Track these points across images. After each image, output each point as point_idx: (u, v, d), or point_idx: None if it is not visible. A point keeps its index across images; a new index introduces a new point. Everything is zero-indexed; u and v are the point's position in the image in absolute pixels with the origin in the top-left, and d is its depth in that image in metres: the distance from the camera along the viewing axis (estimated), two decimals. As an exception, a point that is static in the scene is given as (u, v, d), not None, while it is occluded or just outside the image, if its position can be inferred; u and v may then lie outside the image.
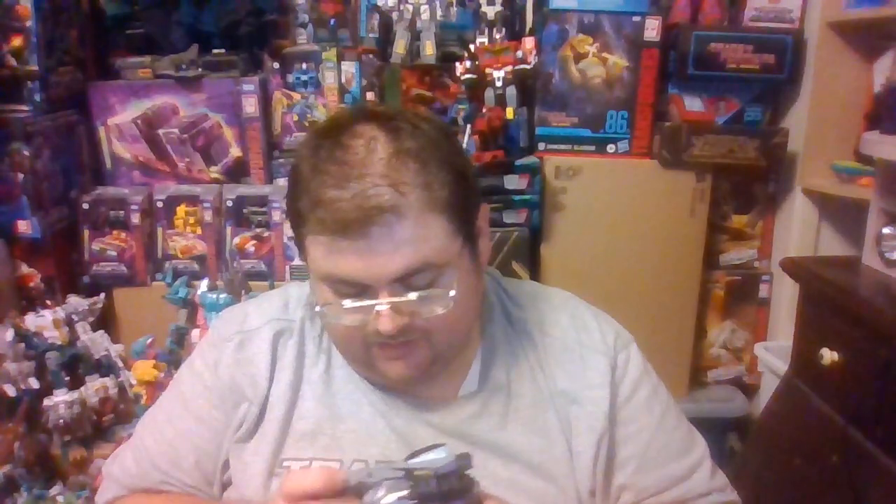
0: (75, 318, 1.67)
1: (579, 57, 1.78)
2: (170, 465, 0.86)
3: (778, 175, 1.93)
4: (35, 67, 1.72)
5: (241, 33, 1.95)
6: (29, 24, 1.69)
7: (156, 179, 1.97)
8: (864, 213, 1.44)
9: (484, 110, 1.68)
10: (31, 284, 1.79)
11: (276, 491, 0.65)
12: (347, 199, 0.69)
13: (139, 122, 1.92)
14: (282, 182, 1.95)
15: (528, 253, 1.77)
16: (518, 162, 1.74)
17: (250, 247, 1.93)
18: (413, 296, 0.72)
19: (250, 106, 1.92)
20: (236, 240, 1.93)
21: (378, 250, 0.70)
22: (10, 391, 1.46)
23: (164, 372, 1.66)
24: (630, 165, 1.83)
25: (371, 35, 1.86)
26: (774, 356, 1.77)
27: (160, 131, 1.93)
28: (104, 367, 1.63)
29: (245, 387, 0.84)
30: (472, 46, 1.73)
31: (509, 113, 1.67)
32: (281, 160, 1.96)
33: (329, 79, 1.92)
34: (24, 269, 1.79)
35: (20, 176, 1.71)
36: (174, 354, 1.72)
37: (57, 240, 1.85)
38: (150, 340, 1.73)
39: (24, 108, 1.73)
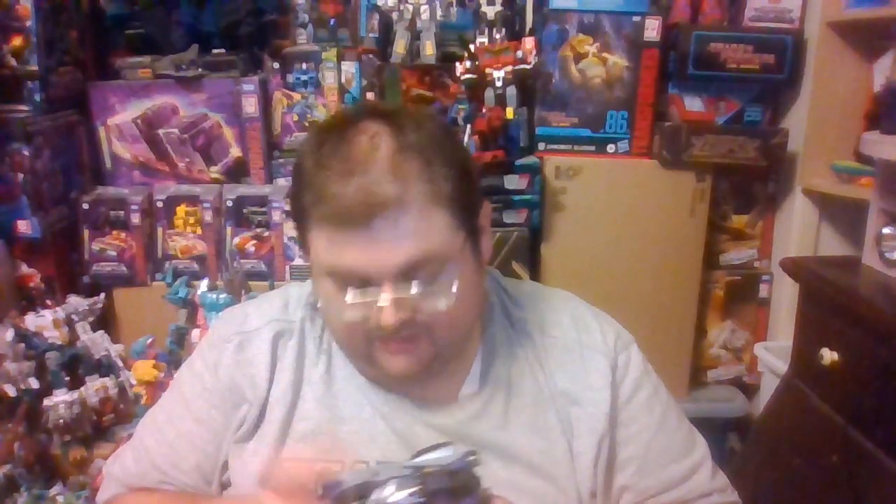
0: (75, 318, 1.67)
1: (579, 57, 1.78)
2: (169, 466, 0.86)
3: (778, 175, 1.93)
4: (35, 67, 1.71)
5: (241, 33, 1.95)
6: (29, 24, 1.69)
7: (156, 179, 1.96)
8: (864, 213, 1.44)
9: (484, 110, 1.68)
10: (31, 284, 1.78)
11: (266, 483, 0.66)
12: (351, 192, 0.69)
13: (139, 122, 1.92)
14: (282, 182, 1.95)
15: (528, 253, 1.77)
16: (518, 162, 1.74)
17: (250, 247, 1.93)
18: (415, 290, 0.72)
19: (250, 106, 1.92)
20: (236, 240, 1.93)
21: (381, 242, 0.70)
22: (10, 391, 1.46)
23: (164, 372, 1.66)
24: (630, 165, 1.83)
25: (371, 35, 1.86)
26: (774, 356, 1.77)
27: (160, 131, 1.93)
28: (104, 367, 1.63)
29: (245, 388, 0.84)
30: (472, 46, 1.72)
31: (509, 113, 1.67)
32: (281, 160, 1.96)
33: (329, 79, 1.92)
34: (24, 269, 1.78)
35: (20, 176, 1.71)
36: (174, 354, 1.72)
37: (57, 240, 1.85)
38: (150, 340, 1.73)
39: (24, 108, 1.73)
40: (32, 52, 1.70)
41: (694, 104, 1.83)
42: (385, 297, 0.72)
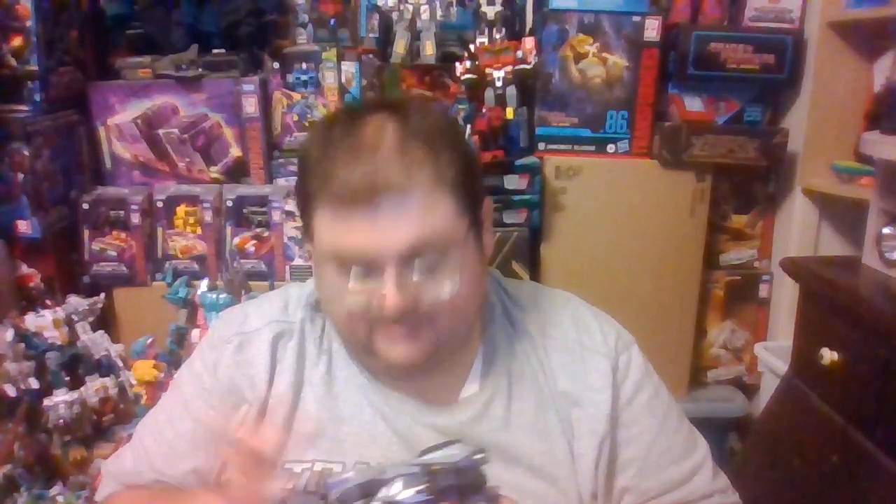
0: (75, 318, 1.67)
1: (579, 57, 1.78)
2: (166, 465, 0.86)
3: (778, 175, 1.93)
4: (35, 67, 1.71)
5: (241, 33, 1.95)
6: (29, 24, 1.69)
7: (156, 179, 1.96)
8: (864, 213, 1.44)
9: (484, 110, 1.68)
10: (31, 284, 1.78)
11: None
12: (357, 175, 0.70)
13: (139, 122, 1.92)
14: (282, 182, 1.94)
15: (528, 253, 1.77)
16: (518, 162, 1.74)
17: (250, 247, 1.93)
18: (418, 276, 0.72)
19: (250, 106, 1.92)
20: (236, 240, 1.93)
21: (386, 223, 0.70)
22: (10, 391, 1.46)
23: (164, 372, 1.66)
24: (630, 165, 1.83)
25: (371, 35, 1.86)
26: (774, 356, 1.77)
27: (160, 131, 1.93)
28: (104, 367, 1.63)
29: (244, 388, 0.84)
30: (472, 46, 1.72)
31: (509, 113, 1.67)
32: (281, 160, 1.96)
33: (329, 79, 1.91)
34: (24, 269, 1.78)
35: (20, 176, 1.70)
36: (174, 354, 1.72)
37: (57, 240, 1.85)
38: (150, 340, 1.73)
39: (24, 108, 1.72)
40: (32, 52, 1.70)
41: (694, 104, 1.83)
42: (389, 282, 0.71)
